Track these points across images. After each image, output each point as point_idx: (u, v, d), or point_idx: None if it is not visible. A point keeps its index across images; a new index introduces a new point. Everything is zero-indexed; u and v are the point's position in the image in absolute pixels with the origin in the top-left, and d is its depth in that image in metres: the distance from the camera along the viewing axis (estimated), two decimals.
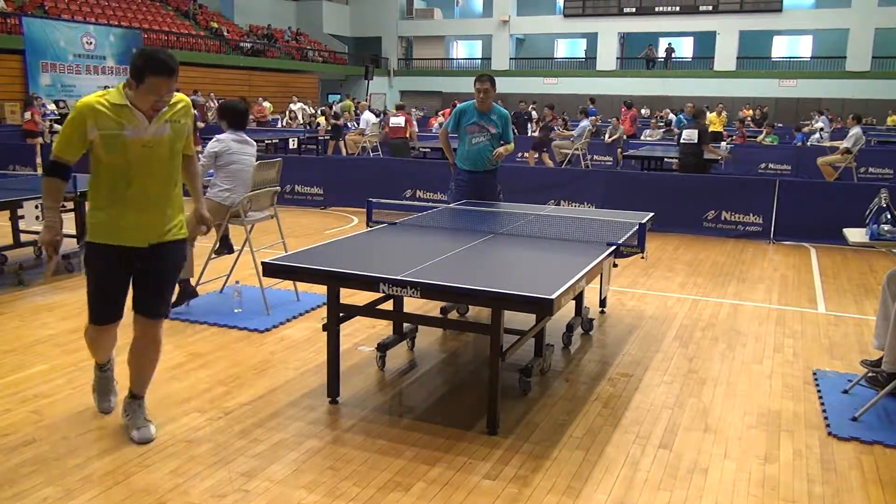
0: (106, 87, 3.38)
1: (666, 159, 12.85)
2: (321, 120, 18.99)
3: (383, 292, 3.48)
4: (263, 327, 5.02)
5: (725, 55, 32.94)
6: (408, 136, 14.22)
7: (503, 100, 26.76)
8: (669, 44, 35.34)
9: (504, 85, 36.03)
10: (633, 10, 34.19)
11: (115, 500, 2.90)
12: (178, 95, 3.29)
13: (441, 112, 23.53)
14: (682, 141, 10.21)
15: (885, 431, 3.63)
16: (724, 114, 17.86)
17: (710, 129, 17.31)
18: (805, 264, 7.53)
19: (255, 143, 5.63)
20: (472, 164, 5.86)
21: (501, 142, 5.89)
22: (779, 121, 23.29)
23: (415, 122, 16.10)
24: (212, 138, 5.43)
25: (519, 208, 5.74)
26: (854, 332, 5.33)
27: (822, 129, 18.05)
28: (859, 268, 7.36)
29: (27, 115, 16.57)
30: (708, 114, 20.22)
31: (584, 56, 37.53)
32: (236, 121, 5.42)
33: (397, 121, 14.34)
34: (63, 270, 6.50)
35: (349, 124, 17.95)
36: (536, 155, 14.92)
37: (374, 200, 5.01)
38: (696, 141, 9.93)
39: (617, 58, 35.80)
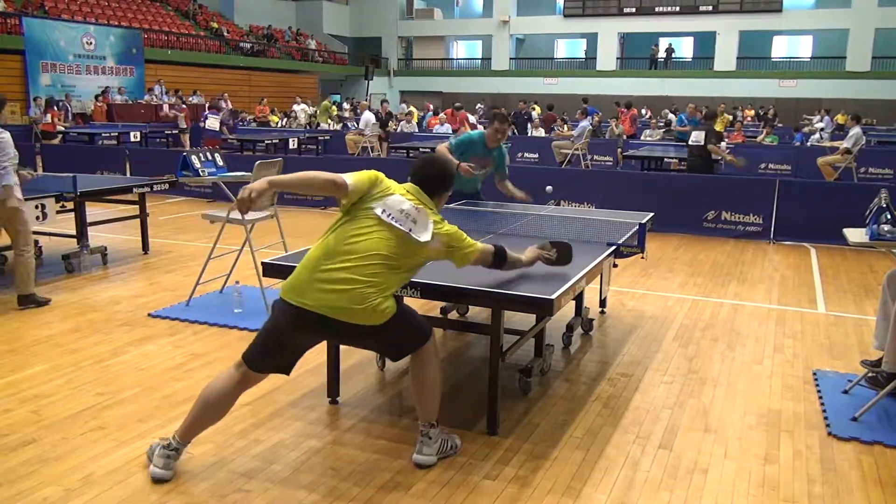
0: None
1: (666, 159, 12.84)
2: (321, 120, 19.00)
3: None
4: None
5: (725, 55, 32.94)
6: None
7: (503, 100, 26.80)
8: (669, 44, 35.33)
9: (504, 85, 36.23)
10: (633, 10, 34.19)
11: (115, 500, 2.90)
12: None
13: (443, 111, 23.30)
14: (690, 142, 10.20)
15: (885, 431, 3.63)
16: (725, 115, 17.81)
17: None
18: (805, 264, 7.53)
19: None
20: (456, 186, 5.87)
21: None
22: (778, 121, 23.27)
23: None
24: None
25: (519, 208, 5.74)
26: (854, 332, 5.33)
27: (822, 129, 18.04)
28: (859, 268, 7.36)
29: (47, 117, 16.72)
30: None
31: (584, 56, 37.54)
32: None
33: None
34: (67, 270, 6.50)
35: (349, 124, 17.98)
36: None
37: None
38: (702, 143, 9.95)
39: (617, 58, 35.81)
